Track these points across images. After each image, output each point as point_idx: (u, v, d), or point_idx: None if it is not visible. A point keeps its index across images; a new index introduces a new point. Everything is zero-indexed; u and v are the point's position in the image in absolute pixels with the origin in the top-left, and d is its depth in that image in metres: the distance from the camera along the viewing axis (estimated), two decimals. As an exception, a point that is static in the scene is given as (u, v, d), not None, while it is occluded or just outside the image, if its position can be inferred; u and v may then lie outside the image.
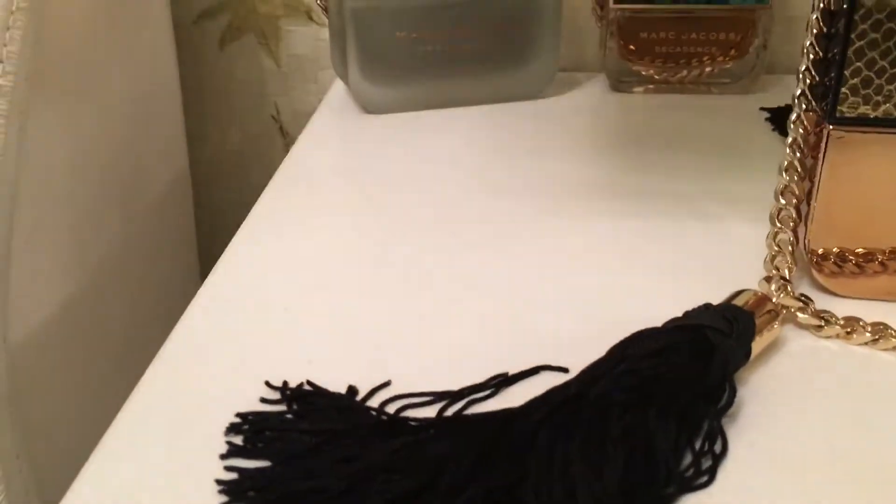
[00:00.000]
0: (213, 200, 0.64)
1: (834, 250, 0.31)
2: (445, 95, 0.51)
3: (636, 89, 0.53)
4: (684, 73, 0.52)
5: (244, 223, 0.38)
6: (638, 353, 0.25)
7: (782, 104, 0.50)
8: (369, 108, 0.50)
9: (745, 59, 0.51)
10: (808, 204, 0.31)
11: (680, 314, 0.28)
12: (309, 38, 0.59)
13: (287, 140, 0.62)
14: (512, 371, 0.27)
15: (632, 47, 0.52)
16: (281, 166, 0.44)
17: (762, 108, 0.49)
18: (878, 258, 0.32)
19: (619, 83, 0.53)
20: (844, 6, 0.28)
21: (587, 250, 0.35)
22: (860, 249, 0.31)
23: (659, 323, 0.27)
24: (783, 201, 0.31)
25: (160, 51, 0.54)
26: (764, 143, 0.46)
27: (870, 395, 0.27)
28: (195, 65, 0.60)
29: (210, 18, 0.59)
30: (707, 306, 0.28)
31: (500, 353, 0.28)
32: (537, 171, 0.43)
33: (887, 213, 0.31)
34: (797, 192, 0.31)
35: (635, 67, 0.52)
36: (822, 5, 0.29)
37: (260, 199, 0.40)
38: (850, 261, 0.32)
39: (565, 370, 0.27)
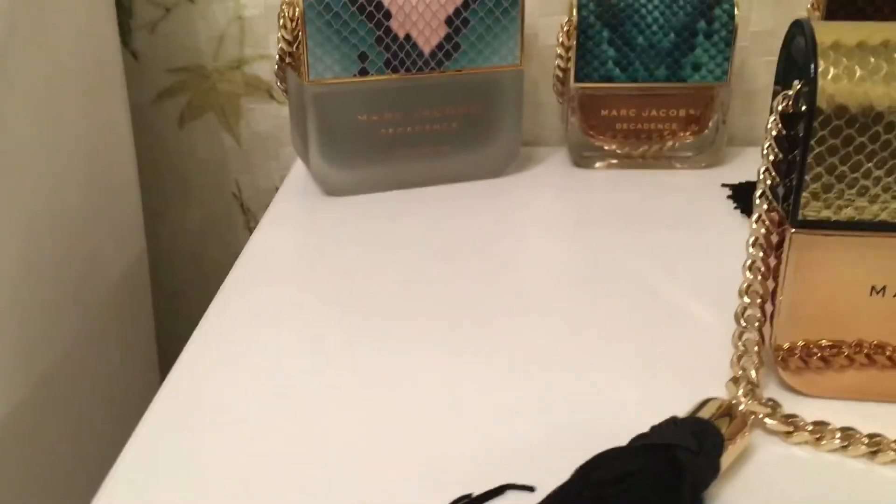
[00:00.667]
0: (173, 282, 0.63)
1: (799, 344, 0.31)
2: (409, 176, 0.51)
3: (598, 164, 0.53)
4: (645, 147, 0.52)
5: (201, 322, 0.37)
6: (604, 479, 0.24)
7: (743, 179, 0.50)
8: (331, 191, 0.50)
9: (706, 134, 0.52)
10: (773, 302, 0.31)
11: (646, 416, 0.27)
12: (270, 116, 0.59)
13: (248, 217, 0.61)
14: (477, 488, 0.26)
15: (593, 123, 0.52)
16: (241, 256, 0.43)
17: (724, 185, 0.49)
18: (843, 351, 0.31)
19: (581, 158, 0.53)
20: (803, 109, 0.28)
21: (551, 346, 0.34)
22: (825, 342, 0.31)
23: (625, 430, 0.26)
24: (747, 300, 0.31)
25: (116, 134, 0.53)
26: (727, 221, 0.46)
27: None
28: (154, 144, 0.60)
29: (169, 97, 0.59)
30: (674, 421, 0.27)
31: (464, 466, 0.27)
32: (498, 257, 0.42)
33: (850, 308, 0.30)
34: (761, 291, 0.31)
35: (597, 143, 0.52)
36: (780, 108, 0.29)
37: (219, 292, 0.39)
38: (816, 355, 0.31)
39: (531, 489, 0.26)
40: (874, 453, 0.28)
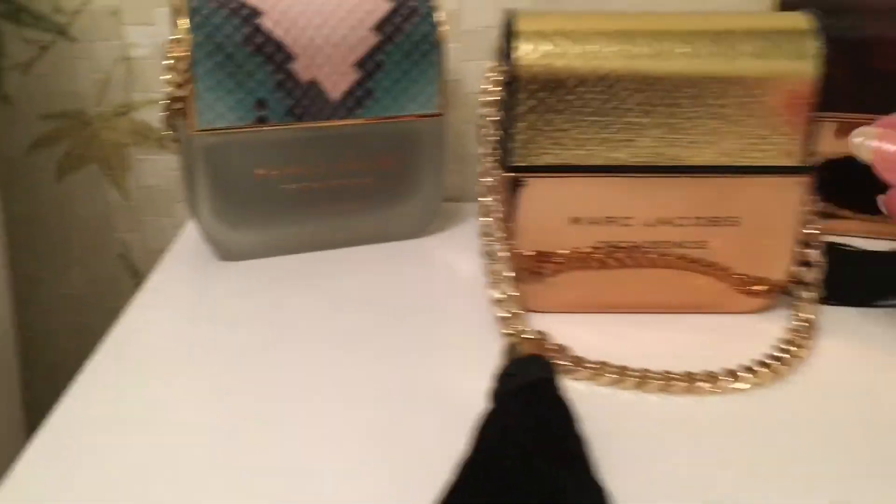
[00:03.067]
0: (49, 355, 0.55)
1: (533, 260, 0.37)
2: (315, 238, 0.45)
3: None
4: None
5: (63, 400, 0.30)
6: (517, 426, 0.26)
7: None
8: (226, 255, 0.43)
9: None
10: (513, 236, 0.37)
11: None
12: (162, 168, 0.52)
13: (138, 281, 0.54)
14: None
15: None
16: (111, 332, 0.36)
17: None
18: (571, 265, 0.38)
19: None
20: (509, 81, 0.35)
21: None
22: (553, 257, 0.37)
23: None
24: (486, 240, 0.37)
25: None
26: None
27: None
28: (27, 199, 0.53)
29: (45, 147, 0.52)
30: (519, 361, 0.31)
31: None
32: (412, 331, 0.37)
33: (565, 230, 0.37)
34: (497, 230, 0.37)
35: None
36: (493, 78, 0.38)
37: (83, 370, 0.33)
38: (548, 273, 0.38)
39: None
40: (642, 384, 0.33)
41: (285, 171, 0.43)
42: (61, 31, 0.49)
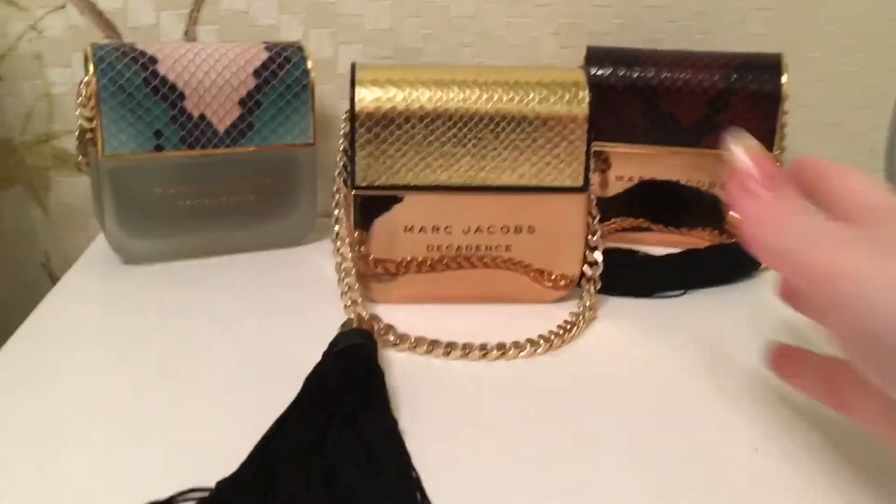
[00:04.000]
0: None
1: (375, 269, 0.47)
2: (207, 245, 0.53)
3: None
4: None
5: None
6: (331, 375, 0.36)
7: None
8: (128, 259, 0.52)
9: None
10: (361, 243, 0.46)
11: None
12: (79, 188, 0.60)
13: (57, 286, 0.62)
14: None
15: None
16: (24, 322, 0.44)
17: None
18: (401, 269, 0.47)
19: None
20: (352, 118, 0.45)
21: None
22: (389, 264, 0.47)
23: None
24: (338, 243, 0.47)
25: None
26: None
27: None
28: (-42, 215, 0.60)
29: (-25, 169, 0.60)
30: (341, 334, 0.39)
31: None
32: (278, 317, 0.46)
33: (401, 237, 0.46)
34: (347, 237, 0.47)
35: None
36: (345, 115, 0.48)
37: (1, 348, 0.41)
38: (386, 272, 0.47)
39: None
40: (448, 353, 0.42)
41: (180, 189, 0.51)
42: (-9, 71, 0.57)
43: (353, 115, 0.45)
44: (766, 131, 0.55)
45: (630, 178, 0.58)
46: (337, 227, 0.48)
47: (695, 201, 0.57)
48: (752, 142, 0.32)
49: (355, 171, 0.45)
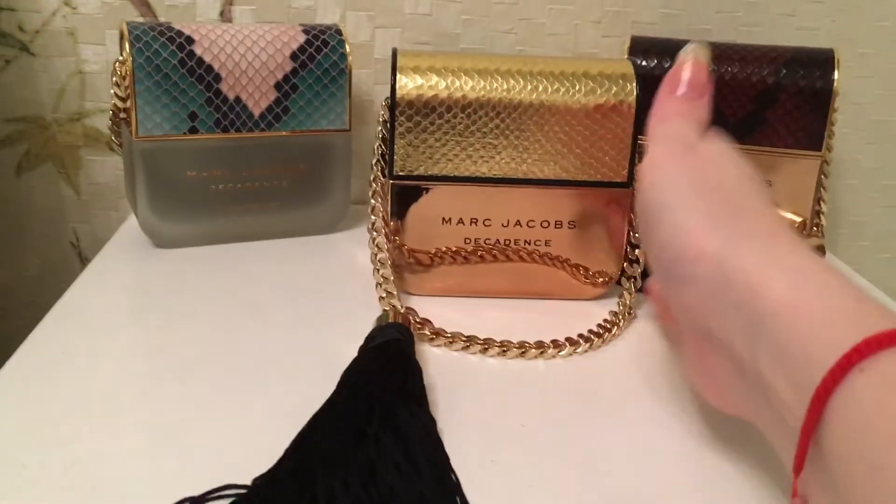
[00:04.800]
0: (7, 329, 0.62)
1: (409, 259, 0.46)
2: (239, 231, 0.52)
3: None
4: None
5: (7, 364, 0.38)
6: (369, 371, 0.35)
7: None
8: (159, 243, 0.51)
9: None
10: (396, 233, 0.46)
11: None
12: (110, 168, 0.60)
13: (85, 266, 0.61)
14: None
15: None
16: (57, 304, 0.44)
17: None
18: (440, 259, 0.46)
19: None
20: (392, 106, 0.44)
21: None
22: (425, 255, 0.46)
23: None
24: (375, 234, 0.46)
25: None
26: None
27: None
28: (-11, 192, 0.60)
29: (6, 147, 0.59)
30: (378, 327, 0.38)
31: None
32: (310, 305, 0.45)
33: (437, 228, 0.46)
34: (384, 226, 0.45)
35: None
36: (384, 103, 0.47)
37: (27, 339, 0.40)
38: (423, 263, 0.46)
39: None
40: (485, 350, 0.41)
41: (213, 173, 0.50)
42: (24, 48, 0.57)
43: (393, 103, 0.44)
44: (816, 129, 0.53)
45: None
46: (373, 217, 0.47)
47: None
48: (705, 54, 0.38)
49: (394, 160, 0.44)
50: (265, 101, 0.50)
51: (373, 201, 0.47)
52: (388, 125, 0.45)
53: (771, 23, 0.59)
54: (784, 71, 0.53)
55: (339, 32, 0.52)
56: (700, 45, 0.39)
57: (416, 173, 0.45)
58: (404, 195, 0.45)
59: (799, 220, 0.55)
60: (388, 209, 0.45)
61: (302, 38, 0.51)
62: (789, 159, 0.54)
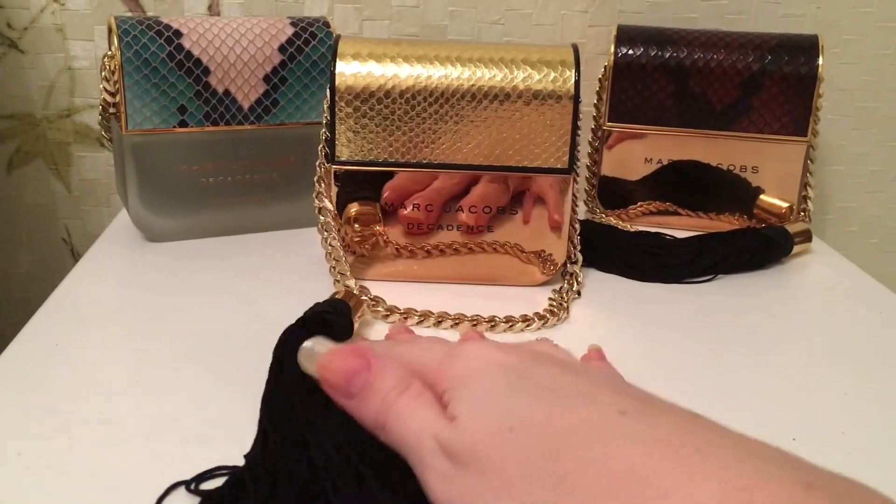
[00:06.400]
0: (-1, 325, 0.63)
1: (355, 238, 0.47)
2: (230, 223, 0.53)
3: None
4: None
5: (2, 355, 0.38)
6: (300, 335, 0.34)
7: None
8: (151, 237, 0.51)
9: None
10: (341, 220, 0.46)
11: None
12: (101, 164, 0.60)
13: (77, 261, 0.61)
14: None
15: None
16: (51, 296, 0.44)
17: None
18: (384, 244, 0.47)
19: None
20: (332, 92, 0.45)
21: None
22: (372, 237, 0.47)
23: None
24: (321, 217, 0.46)
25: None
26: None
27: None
28: (-20, 189, 0.60)
29: (-3, 143, 0.59)
30: (318, 303, 0.39)
31: None
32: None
33: (381, 216, 0.46)
34: (330, 209, 0.46)
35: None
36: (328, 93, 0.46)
37: (21, 332, 0.40)
38: (367, 246, 0.47)
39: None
40: (438, 323, 0.43)
41: (203, 166, 0.51)
42: (13, 45, 0.57)
43: (332, 89, 0.44)
44: (801, 115, 0.54)
45: (658, 161, 0.57)
46: (317, 202, 0.47)
47: (724, 186, 0.56)
48: (324, 349, 0.31)
49: (334, 146, 0.45)
50: (254, 94, 0.51)
51: (317, 186, 0.47)
52: (330, 112, 0.45)
53: (756, 10, 0.60)
54: (769, 57, 0.54)
55: (327, 25, 0.52)
56: (302, 355, 0.32)
57: (356, 158, 0.45)
58: (346, 181, 0.46)
59: (786, 205, 0.56)
60: (332, 194, 0.46)
61: (290, 31, 0.51)
62: (775, 145, 0.54)
